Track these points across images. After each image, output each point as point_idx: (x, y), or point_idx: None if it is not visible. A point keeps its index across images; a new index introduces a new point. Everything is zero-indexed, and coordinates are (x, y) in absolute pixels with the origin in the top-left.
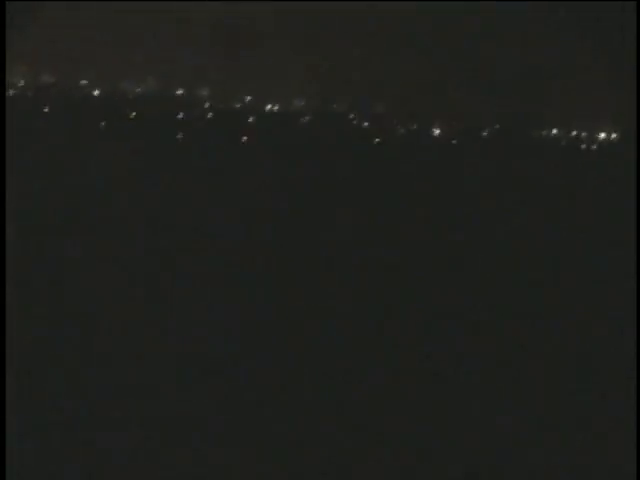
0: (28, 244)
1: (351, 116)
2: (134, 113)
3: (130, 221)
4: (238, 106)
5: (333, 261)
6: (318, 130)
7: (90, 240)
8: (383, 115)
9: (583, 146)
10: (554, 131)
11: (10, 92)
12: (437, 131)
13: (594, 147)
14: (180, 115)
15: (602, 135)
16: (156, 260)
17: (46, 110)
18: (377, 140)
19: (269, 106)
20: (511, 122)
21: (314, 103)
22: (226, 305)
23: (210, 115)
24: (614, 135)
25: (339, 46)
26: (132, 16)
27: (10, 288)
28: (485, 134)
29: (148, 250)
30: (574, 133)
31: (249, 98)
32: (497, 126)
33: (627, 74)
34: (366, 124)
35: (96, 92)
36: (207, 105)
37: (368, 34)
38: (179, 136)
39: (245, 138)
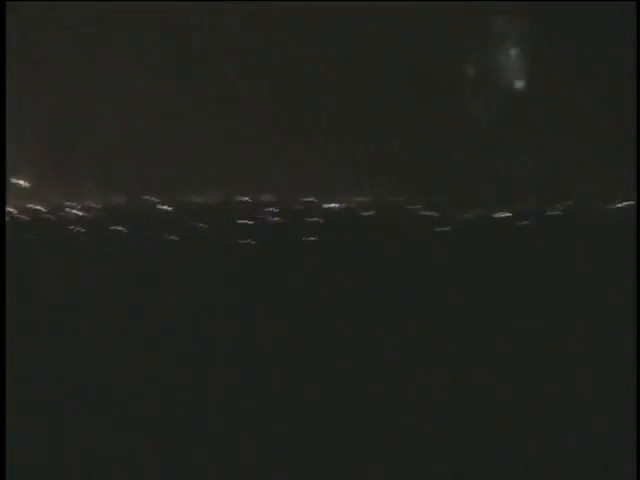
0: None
1: (413, 206)
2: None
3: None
4: (301, 208)
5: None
6: (382, 223)
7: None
8: (444, 202)
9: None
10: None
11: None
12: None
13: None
14: (244, 221)
15: None
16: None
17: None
18: (443, 229)
19: (332, 204)
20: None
21: (376, 196)
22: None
23: (275, 219)
24: None
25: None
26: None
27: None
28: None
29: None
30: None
31: (312, 199)
32: (570, 202)
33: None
34: (429, 213)
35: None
36: (271, 210)
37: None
38: (244, 241)
39: (312, 238)
